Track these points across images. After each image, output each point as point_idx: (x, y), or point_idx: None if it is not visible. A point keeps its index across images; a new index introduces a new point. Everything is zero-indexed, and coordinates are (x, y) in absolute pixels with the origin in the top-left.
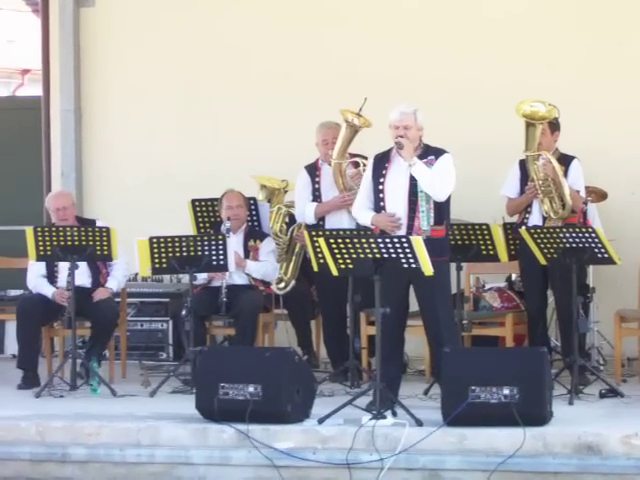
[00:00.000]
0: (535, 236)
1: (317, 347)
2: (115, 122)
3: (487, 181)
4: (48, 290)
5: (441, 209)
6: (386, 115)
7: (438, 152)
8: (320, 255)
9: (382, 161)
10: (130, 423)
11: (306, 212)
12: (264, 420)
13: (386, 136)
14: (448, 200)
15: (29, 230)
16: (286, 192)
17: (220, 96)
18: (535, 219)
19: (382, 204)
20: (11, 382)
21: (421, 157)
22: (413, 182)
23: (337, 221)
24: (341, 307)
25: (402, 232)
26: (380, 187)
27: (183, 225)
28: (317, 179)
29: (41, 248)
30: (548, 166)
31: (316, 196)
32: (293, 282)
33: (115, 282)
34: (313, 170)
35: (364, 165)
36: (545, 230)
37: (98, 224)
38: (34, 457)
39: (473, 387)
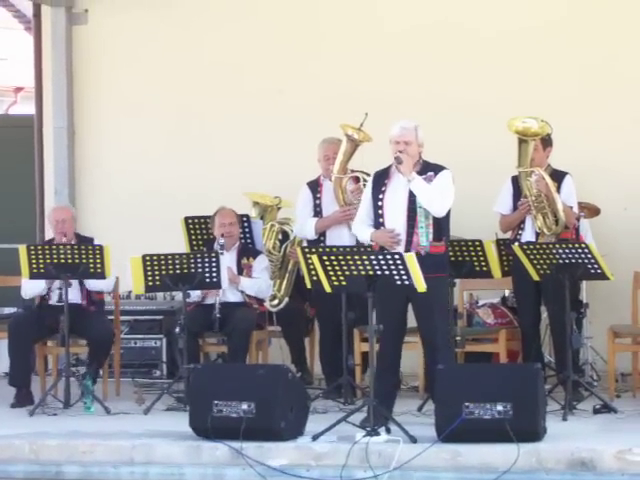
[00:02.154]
0: (528, 252)
1: (311, 364)
2: (108, 139)
3: (480, 197)
4: (39, 285)
5: (440, 225)
6: (380, 132)
7: (437, 168)
8: (313, 272)
9: (382, 177)
10: (124, 441)
11: (307, 227)
12: (258, 437)
13: (385, 153)
14: (448, 216)
15: (22, 248)
16: (279, 209)
17: (213, 113)
18: (528, 235)
19: (381, 220)
20: (4, 400)
21: (420, 173)
22: (412, 198)
23: (337, 236)
24: (337, 324)
25: (401, 248)
26: (379, 203)
27: (176, 241)
28: (318, 195)
29: (34, 266)
30: (541, 182)
31: (317, 212)
32: (286, 299)
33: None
34: (315, 186)
35: (364, 180)
36: (538, 246)
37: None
38: (28, 475)
39: (467, 403)
